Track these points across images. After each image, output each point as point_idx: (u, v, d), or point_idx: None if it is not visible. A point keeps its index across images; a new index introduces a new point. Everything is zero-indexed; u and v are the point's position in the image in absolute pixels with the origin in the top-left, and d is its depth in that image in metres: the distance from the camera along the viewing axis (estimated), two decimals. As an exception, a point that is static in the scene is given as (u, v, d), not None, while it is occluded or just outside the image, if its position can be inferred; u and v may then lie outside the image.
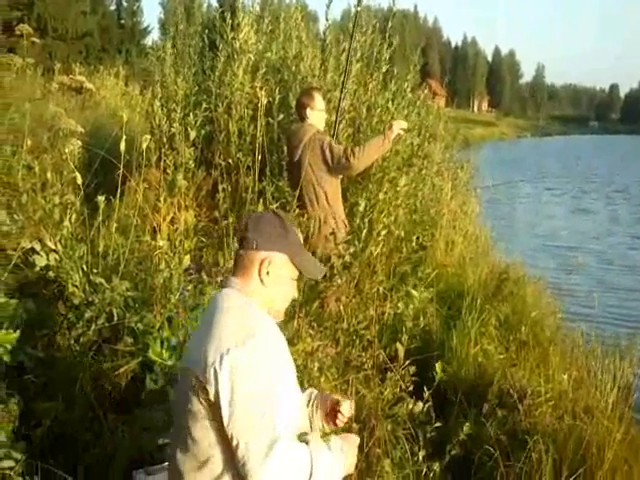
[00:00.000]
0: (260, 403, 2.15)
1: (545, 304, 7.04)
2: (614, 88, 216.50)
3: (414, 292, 4.75)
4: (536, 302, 6.92)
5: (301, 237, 2.55)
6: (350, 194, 6.42)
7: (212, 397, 2.18)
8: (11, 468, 2.90)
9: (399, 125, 5.59)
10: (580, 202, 23.20)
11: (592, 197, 24.73)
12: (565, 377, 4.58)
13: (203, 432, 2.25)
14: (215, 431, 2.21)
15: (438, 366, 3.86)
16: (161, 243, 4.75)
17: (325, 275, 5.19)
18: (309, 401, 2.65)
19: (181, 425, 2.34)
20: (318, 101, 5.71)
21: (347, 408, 2.56)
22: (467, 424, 3.62)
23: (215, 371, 2.17)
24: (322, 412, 2.58)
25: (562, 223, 17.67)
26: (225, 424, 2.15)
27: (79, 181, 4.76)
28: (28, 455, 3.12)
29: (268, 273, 2.41)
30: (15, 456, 3.02)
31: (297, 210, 5.49)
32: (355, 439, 2.47)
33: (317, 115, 5.70)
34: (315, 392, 2.70)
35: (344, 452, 2.34)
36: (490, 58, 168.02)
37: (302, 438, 2.29)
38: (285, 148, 6.20)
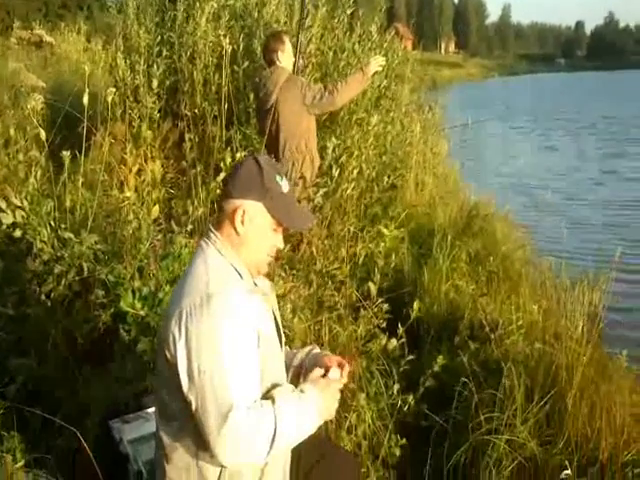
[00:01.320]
0: (215, 373, 2.04)
1: (514, 239, 7.05)
2: (580, 25, 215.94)
3: (385, 230, 4.72)
4: (505, 237, 6.94)
5: (286, 184, 2.30)
6: (319, 138, 6.35)
7: (172, 363, 2.11)
8: (-15, 426, 2.86)
9: (377, 62, 5.54)
10: (547, 140, 23.19)
11: (559, 134, 24.71)
12: (535, 307, 4.59)
13: (169, 395, 2.19)
14: (179, 395, 2.11)
15: (416, 304, 3.84)
16: (128, 194, 4.67)
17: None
18: (305, 359, 2.57)
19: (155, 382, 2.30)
20: (288, 45, 5.60)
21: (347, 369, 2.44)
22: (440, 357, 3.61)
23: (174, 338, 2.09)
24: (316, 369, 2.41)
25: (529, 161, 17.64)
26: (184, 392, 2.08)
27: (43, 137, 4.65)
28: (4, 411, 3.10)
29: (243, 223, 2.24)
30: (-10, 413, 2.99)
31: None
32: (331, 382, 2.34)
33: (287, 58, 5.59)
34: (315, 351, 2.61)
35: (318, 398, 2.23)
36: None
37: (268, 395, 2.18)
38: (252, 95, 6.08)
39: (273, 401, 2.13)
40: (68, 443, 3.00)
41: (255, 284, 2.34)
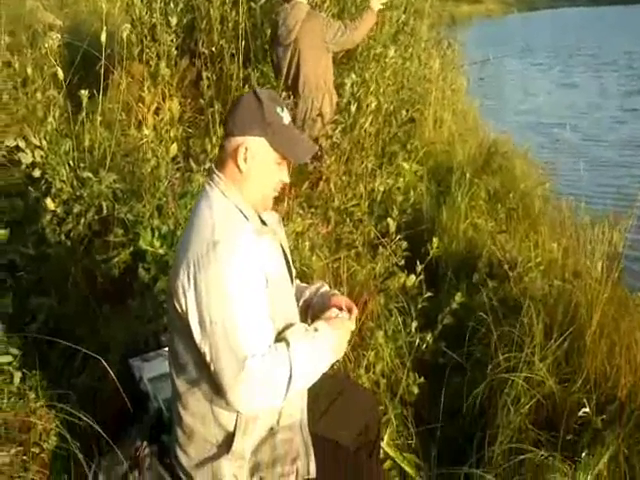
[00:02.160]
0: (227, 322, 1.99)
1: (533, 177, 6.91)
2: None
3: (405, 164, 4.63)
4: (524, 175, 6.80)
5: (287, 116, 2.21)
6: (336, 75, 6.22)
7: (183, 314, 2.06)
8: (9, 363, 2.85)
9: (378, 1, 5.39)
10: (567, 76, 22.65)
11: (579, 71, 24.13)
12: (555, 246, 4.53)
13: (182, 344, 2.15)
14: (192, 345, 2.07)
15: (435, 241, 3.78)
16: (147, 132, 4.60)
17: (315, 155, 5.11)
18: (313, 296, 2.52)
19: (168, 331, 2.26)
20: None
21: (355, 314, 2.40)
22: (458, 294, 3.55)
23: (183, 288, 2.04)
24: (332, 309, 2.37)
25: (548, 99, 17.27)
26: (197, 342, 2.04)
27: (61, 76, 4.58)
28: (25, 350, 3.09)
29: (246, 160, 2.16)
30: (12, 351, 2.97)
31: (284, 94, 5.32)
32: (344, 320, 2.31)
33: None
34: (324, 289, 2.56)
35: (332, 336, 2.20)
36: None
37: (280, 337, 2.13)
38: (270, 31, 5.94)
39: (287, 344, 2.09)
40: (90, 380, 3.00)
41: (263, 221, 2.28)
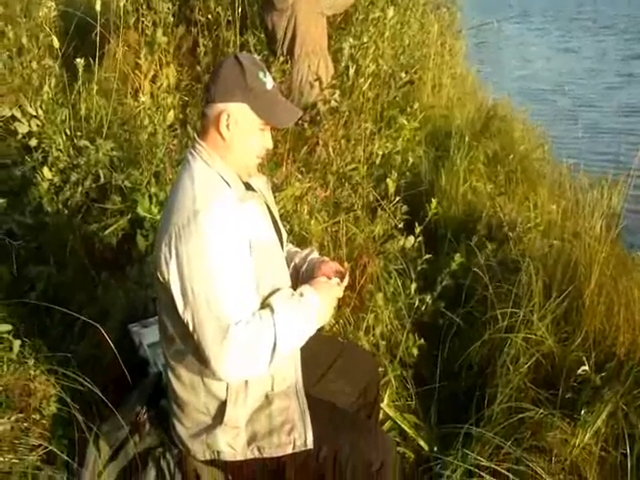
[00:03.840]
0: (210, 292, 1.95)
1: (532, 139, 6.83)
2: None
3: (404, 121, 4.56)
4: (523, 138, 6.72)
5: (270, 80, 2.14)
6: (335, 40, 6.14)
7: (166, 285, 2.02)
8: (9, 332, 2.83)
9: None
10: (566, 41, 22.36)
11: (578, 35, 23.85)
12: (554, 207, 4.48)
13: (167, 317, 2.13)
14: (176, 317, 2.04)
15: (433, 202, 3.74)
16: (143, 99, 4.54)
17: (314, 120, 5.05)
18: (302, 263, 2.48)
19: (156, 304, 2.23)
20: None
21: (347, 280, 2.35)
22: (457, 255, 3.52)
23: (165, 260, 1.99)
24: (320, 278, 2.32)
25: (546, 64, 17.05)
26: (180, 313, 2.00)
27: (56, 45, 4.52)
28: (24, 319, 3.07)
29: (228, 127, 2.10)
30: (12, 320, 2.94)
31: (281, 59, 5.26)
32: (331, 286, 2.26)
33: None
34: (313, 255, 2.51)
35: (318, 301, 2.15)
36: None
37: (265, 302, 2.09)
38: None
39: (272, 310, 2.05)
40: (89, 347, 2.98)
41: (248, 186, 2.23)
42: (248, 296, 2.05)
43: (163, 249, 2.01)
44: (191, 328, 1.99)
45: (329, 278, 2.30)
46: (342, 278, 2.33)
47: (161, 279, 2.04)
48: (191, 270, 1.96)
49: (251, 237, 2.07)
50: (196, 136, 2.19)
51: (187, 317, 1.99)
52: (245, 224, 2.07)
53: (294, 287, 2.25)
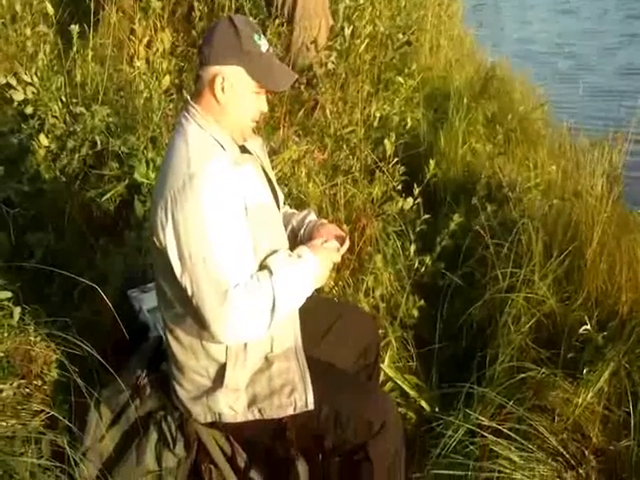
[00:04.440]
0: (207, 256, 1.93)
1: (532, 100, 6.74)
2: None
3: (400, 79, 4.49)
4: (523, 98, 6.63)
5: (265, 43, 2.10)
6: (330, 2, 6.04)
7: (162, 250, 1.99)
8: (9, 299, 2.80)
9: None
10: (564, 1, 22.04)
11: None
12: (554, 167, 4.43)
13: (165, 281, 2.10)
14: (174, 281, 2.01)
15: (432, 163, 3.71)
16: (138, 64, 4.48)
17: (310, 83, 4.99)
18: (300, 226, 2.45)
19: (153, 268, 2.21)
20: None
21: (347, 245, 2.32)
22: (456, 215, 3.49)
23: (162, 225, 1.96)
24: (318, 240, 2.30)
25: (544, 26, 16.82)
26: (178, 278, 1.98)
27: (50, 11, 4.48)
28: (24, 286, 3.04)
29: (223, 90, 2.05)
30: (12, 287, 2.92)
31: (277, 21, 5.18)
32: (329, 248, 2.24)
33: None
34: (310, 217, 2.47)
35: (315, 261, 2.14)
36: None
37: (263, 264, 2.06)
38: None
39: (270, 272, 2.03)
40: (89, 312, 2.96)
41: (243, 149, 2.19)
42: (245, 259, 2.03)
43: (159, 214, 1.98)
44: (189, 292, 1.97)
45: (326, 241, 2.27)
46: (342, 242, 2.30)
47: (158, 244, 2.01)
48: (187, 234, 1.94)
49: (246, 200, 2.05)
50: (189, 99, 2.14)
51: (185, 281, 1.97)
52: (240, 187, 2.04)
53: (292, 249, 2.23)
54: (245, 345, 2.11)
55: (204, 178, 1.95)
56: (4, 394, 2.54)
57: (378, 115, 4.69)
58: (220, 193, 1.96)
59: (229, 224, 1.98)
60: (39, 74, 4.29)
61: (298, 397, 2.14)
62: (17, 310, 2.81)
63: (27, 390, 2.64)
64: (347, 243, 2.32)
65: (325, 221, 2.46)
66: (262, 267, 2.06)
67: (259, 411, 2.16)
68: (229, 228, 1.98)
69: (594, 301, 3.12)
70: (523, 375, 2.76)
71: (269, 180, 2.29)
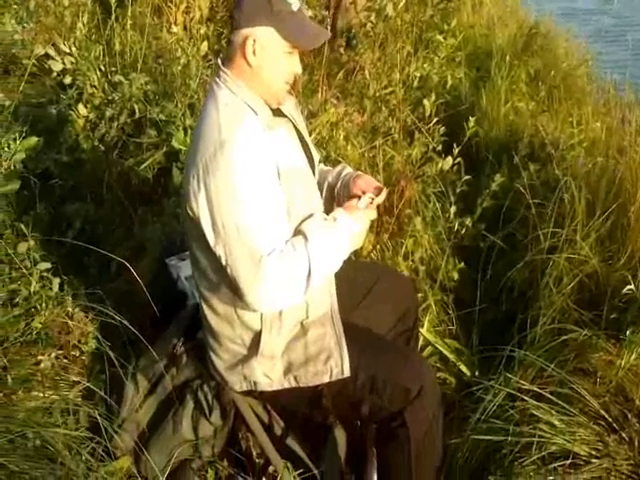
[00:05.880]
0: (240, 223, 1.88)
1: (576, 56, 6.50)
2: None
3: (440, 37, 4.36)
4: (567, 54, 6.40)
5: (296, 1, 2.01)
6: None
7: (195, 219, 1.95)
8: (48, 270, 2.79)
9: None
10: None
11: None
12: (598, 125, 4.27)
13: (199, 250, 2.06)
14: (207, 250, 1.98)
15: (472, 120, 3.57)
16: (175, 30, 4.41)
17: (350, 44, 4.86)
18: (336, 182, 2.36)
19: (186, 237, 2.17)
20: None
21: (383, 197, 2.23)
22: (498, 175, 3.37)
23: (194, 193, 1.92)
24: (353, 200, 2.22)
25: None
26: (212, 246, 1.93)
27: (88, -18, 4.40)
28: (63, 257, 3.03)
29: (255, 53, 1.98)
30: (51, 258, 2.91)
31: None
32: (364, 209, 2.16)
33: None
34: (346, 171, 2.38)
35: (352, 225, 2.07)
36: None
37: (298, 229, 2.01)
38: None
39: (305, 237, 1.97)
40: (125, 284, 2.93)
41: (276, 112, 2.11)
42: (279, 225, 1.98)
43: (191, 182, 1.94)
44: (223, 261, 1.93)
45: (364, 193, 2.20)
46: (379, 194, 2.22)
47: (190, 213, 1.97)
48: (220, 202, 1.89)
49: (279, 164, 1.99)
50: (220, 64, 2.07)
51: (219, 250, 1.93)
52: (272, 151, 1.98)
53: (330, 205, 2.21)
54: (280, 312, 2.06)
55: (235, 144, 1.89)
56: (42, 365, 2.54)
57: (418, 75, 4.57)
58: (252, 159, 1.91)
59: (262, 190, 1.92)
60: (77, 44, 4.26)
61: (334, 364, 2.10)
62: (56, 281, 2.79)
63: (65, 361, 2.64)
64: (384, 194, 2.24)
65: (361, 173, 2.38)
66: (297, 232, 2.01)
67: (295, 379, 2.12)
68: (262, 195, 1.92)
69: (638, 260, 2.99)
70: (565, 337, 2.67)
71: (303, 141, 2.22)
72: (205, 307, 2.16)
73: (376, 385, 2.10)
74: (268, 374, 2.12)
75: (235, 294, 1.99)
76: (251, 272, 1.89)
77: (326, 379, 2.11)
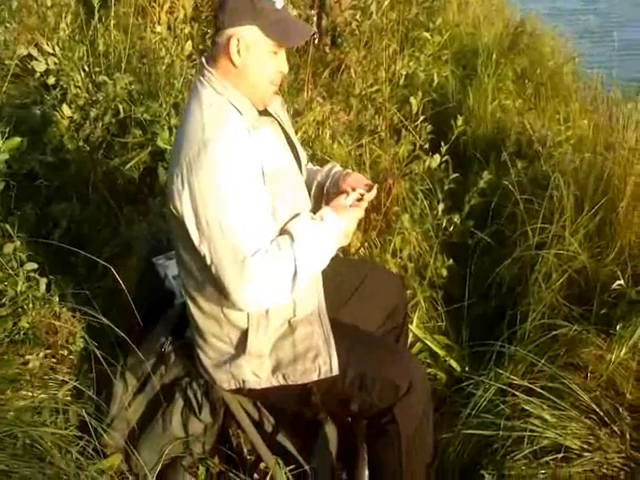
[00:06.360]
0: (224, 222, 1.88)
1: (563, 53, 6.54)
2: None
3: (427, 35, 4.37)
4: (554, 52, 6.44)
5: (279, 0, 2.00)
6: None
7: (180, 218, 1.94)
8: (35, 270, 2.77)
9: None
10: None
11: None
12: (585, 122, 4.30)
13: (184, 249, 2.05)
14: (192, 249, 1.97)
15: (460, 119, 3.60)
16: (159, 29, 4.41)
17: (335, 43, 4.88)
18: (325, 180, 2.36)
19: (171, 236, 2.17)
20: None
21: (373, 194, 2.23)
22: (486, 172, 3.40)
23: (178, 192, 1.91)
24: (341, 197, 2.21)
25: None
26: (196, 246, 1.93)
27: (71, -19, 4.38)
28: (50, 257, 3.03)
29: (239, 52, 1.96)
30: (38, 258, 2.89)
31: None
32: (351, 207, 2.16)
33: None
34: (336, 169, 2.38)
35: (339, 223, 2.07)
36: None
37: (284, 229, 2.01)
38: None
39: (291, 237, 1.97)
40: (112, 283, 2.92)
41: (262, 111, 2.11)
42: (264, 225, 1.98)
43: (175, 181, 1.93)
44: (208, 261, 1.93)
45: (354, 190, 2.20)
46: (369, 190, 2.22)
47: (175, 212, 1.96)
48: (204, 202, 1.89)
49: (264, 164, 1.98)
50: (205, 63, 2.06)
51: (203, 250, 1.92)
52: (257, 152, 1.98)
53: (319, 204, 2.20)
54: (267, 311, 2.06)
55: (219, 144, 1.89)
56: (30, 365, 2.53)
57: (404, 73, 4.58)
58: (236, 159, 1.91)
59: (245, 190, 1.92)
60: (61, 44, 4.24)
61: (322, 362, 2.09)
62: (43, 281, 2.78)
63: (53, 361, 2.63)
64: (374, 191, 2.23)
65: (350, 171, 2.38)
66: (283, 232, 2.01)
67: (283, 377, 2.11)
68: (246, 194, 1.92)
69: (627, 255, 3.01)
70: (555, 332, 2.69)
71: (290, 141, 2.22)
72: (192, 306, 2.15)
73: (365, 382, 2.10)
74: (256, 372, 2.11)
75: (221, 293, 1.98)
76: (236, 272, 1.89)
77: (315, 377, 2.10)
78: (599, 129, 4.10)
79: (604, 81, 4.89)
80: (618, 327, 2.63)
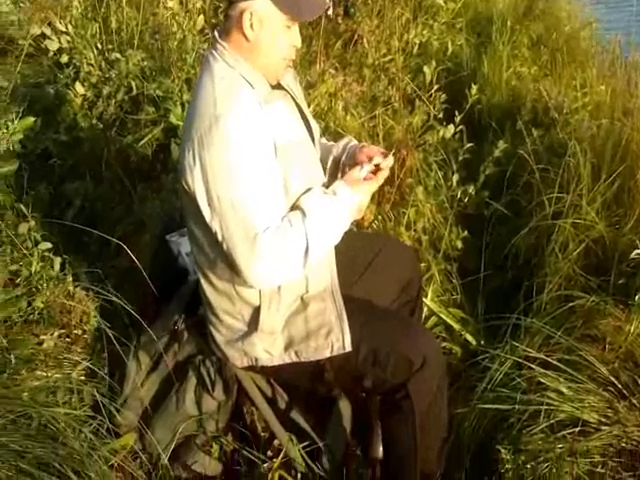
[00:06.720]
0: (235, 198, 1.84)
1: (579, 18, 6.37)
2: None
3: (440, 2, 4.26)
4: (570, 17, 6.28)
5: None
6: None
7: (191, 193, 1.91)
8: (49, 250, 2.77)
9: None
10: None
11: None
12: (603, 87, 4.17)
13: (195, 225, 2.02)
14: (204, 225, 1.94)
15: (474, 87, 3.53)
16: (170, 4, 4.34)
17: (347, 13, 4.78)
18: (342, 154, 2.30)
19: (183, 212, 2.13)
20: None
21: (390, 161, 2.16)
22: (501, 141, 3.31)
23: (189, 167, 1.87)
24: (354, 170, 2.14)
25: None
26: (208, 222, 1.90)
27: (82, -41, 4.33)
28: (64, 236, 3.00)
29: (252, 27, 1.91)
30: (52, 238, 2.88)
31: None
32: (368, 181, 2.08)
33: None
34: (352, 143, 2.32)
35: (352, 197, 2.01)
36: None
37: (296, 204, 1.96)
38: None
39: (302, 212, 1.93)
40: (126, 261, 2.89)
41: (275, 85, 2.05)
42: (276, 201, 1.94)
43: (186, 157, 1.89)
44: (219, 237, 1.89)
45: (370, 159, 2.13)
46: (385, 158, 2.15)
47: (186, 188, 1.92)
48: (215, 177, 1.85)
49: (276, 139, 1.93)
50: (217, 36, 2.00)
51: (215, 226, 1.89)
52: (269, 126, 1.93)
53: (334, 178, 2.15)
54: (279, 287, 2.02)
55: (230, 119, 1.85)
56: (45, 345, 2.52)
57: (417, 42, 4.48)
58: (247, 134, 1.86)
59: (257, 166, 1.88)
60: (74, 23, 4.20)
61: (335, 339, 2.06)
62: (57, 261, 2.78)
63: (67, 340, 2.62)
64: (390, 158, 2.16)
65: (366, 144, 2.32)
66: (295, 207, 1.97)
67: (296, 354, 2.08)
68: (257, 170, 1.88)
69: (646, 223, 2.93)
70: (572, 304, 2.62)
71: (302, 114, 2.16)
72: (204, 283, 2.12)
73: (378, 358, 2.06)
74: (269, 350, 2.09)
75: (232, 270, 1.95)
76: (246, 249, 1.85)
77: (327, 354, 2.07)
78: (617, 95, 3.98)
79: (622, 46, 4.75)
80: (637, 297, 2.55)
